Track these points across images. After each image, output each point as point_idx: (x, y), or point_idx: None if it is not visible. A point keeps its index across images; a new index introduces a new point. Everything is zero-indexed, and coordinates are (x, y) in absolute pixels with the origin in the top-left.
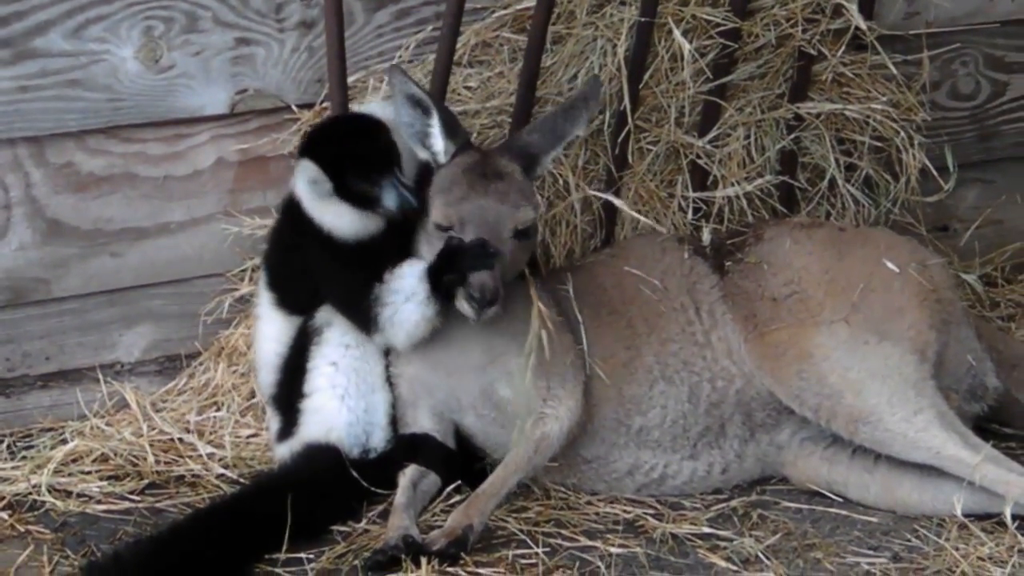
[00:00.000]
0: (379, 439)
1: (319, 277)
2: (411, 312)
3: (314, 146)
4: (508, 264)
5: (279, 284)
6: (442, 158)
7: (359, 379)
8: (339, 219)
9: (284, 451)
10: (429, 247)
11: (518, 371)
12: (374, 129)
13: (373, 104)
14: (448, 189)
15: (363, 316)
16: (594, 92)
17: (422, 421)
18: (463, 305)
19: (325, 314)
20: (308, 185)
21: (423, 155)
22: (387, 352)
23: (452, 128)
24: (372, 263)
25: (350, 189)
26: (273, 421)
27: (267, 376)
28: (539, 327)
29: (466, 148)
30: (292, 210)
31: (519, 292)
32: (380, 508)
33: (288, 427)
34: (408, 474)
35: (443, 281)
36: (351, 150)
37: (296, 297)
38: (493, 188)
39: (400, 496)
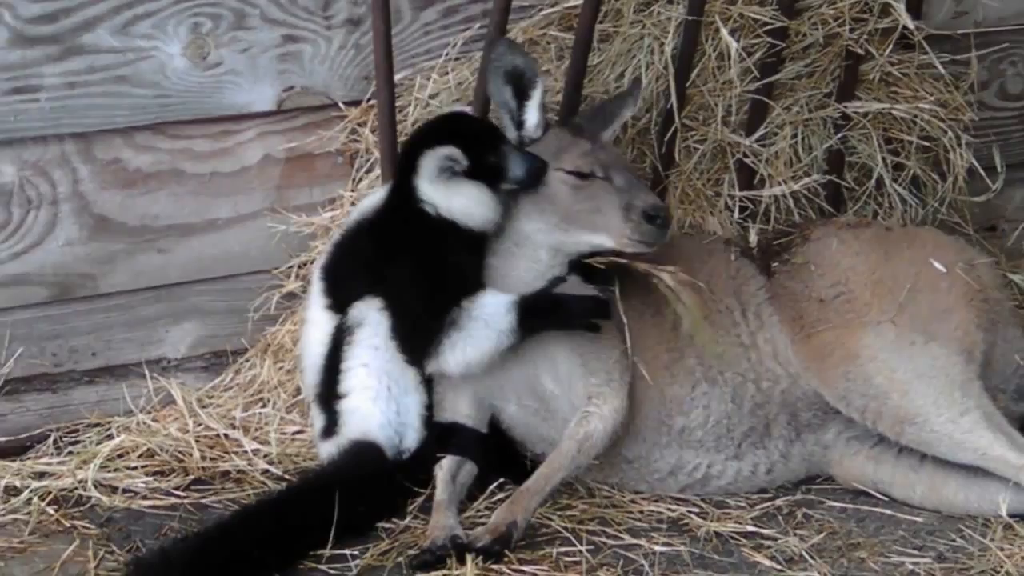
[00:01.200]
0: (412, 440)
1: (401, 286)
2: (485, 340)
3: (436, 135)
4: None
5: (337, 290)
6: (533, 132)
7: (390, 381)
8: (472, 201)
9: (329, 448)
10: (494, 252)
11: (564, 365)
12: (472, 116)
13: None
14: (571, 146)
15: (427, 336)
16: (637, 88)
17: (460, 407)
18: (641, 229)
19: (357, 312)
20: (439, 171)
21: (512, 134)
22: None
23: (544, 105)
24: (459, 268)
25: (484, 164)
26: (317, 419)
27: (312, 377)
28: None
29: (548, 125)
30: (388, 213)
31: (571, 285)
32: (420, 502)
33: (331, 425)
34: (445, 467)
35: (535, 318)
36: (474, 129)
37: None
38: (608, 145)
39: (440, 492)
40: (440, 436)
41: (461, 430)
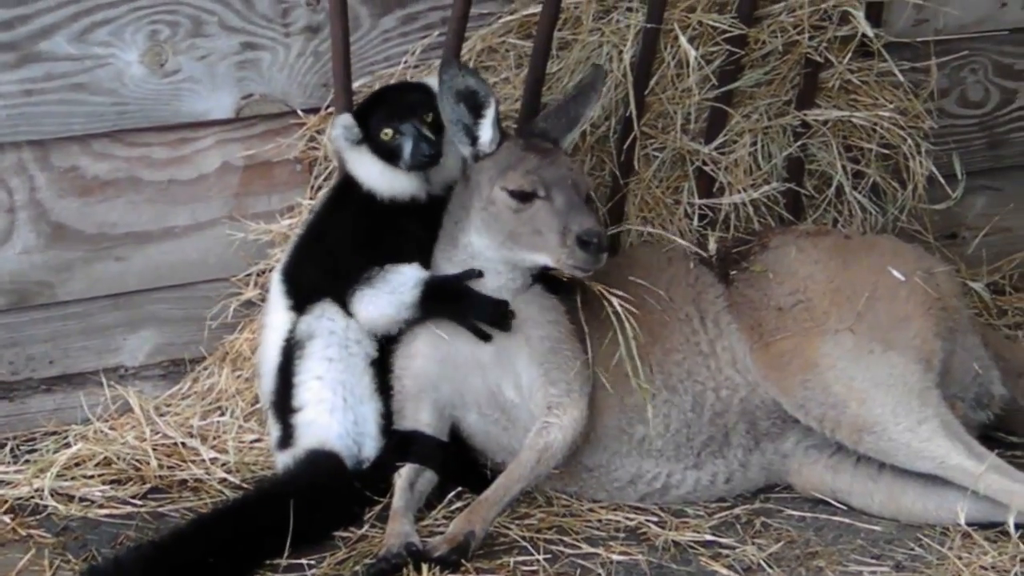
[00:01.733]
0: (371, 449)
1: (339, 240)
2: (385, 305)
3: (365, 103)
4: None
5: (296, 287)
6: (487, 148)
7: (346, 392)
8: (369, 171)
9: (286, 459)
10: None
11: (525, 374)
12: (412, 88)
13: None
14: (519, 162)
15: (347, 284)
16: (599, 77)
17: (421, 416)
18: (575, 255)
19: (305, 325)
20: (341, 132)
21: (466, 151)
22: (391, 349)
23: (499, 119)
24: (396, 240)
25: (377, 141)
26: (273, 429)
27: (267, 384)
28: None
29: (505, 136)
30: (338, 190)
31: (534, 294)
32: (378, 510)
33: (287, 437)
34: (404, 475)
35: (437, 301)
36: (378, 99)
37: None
38: (558, 159)
39: (398, 500)
40: (399, 444)
41: (420, 438)
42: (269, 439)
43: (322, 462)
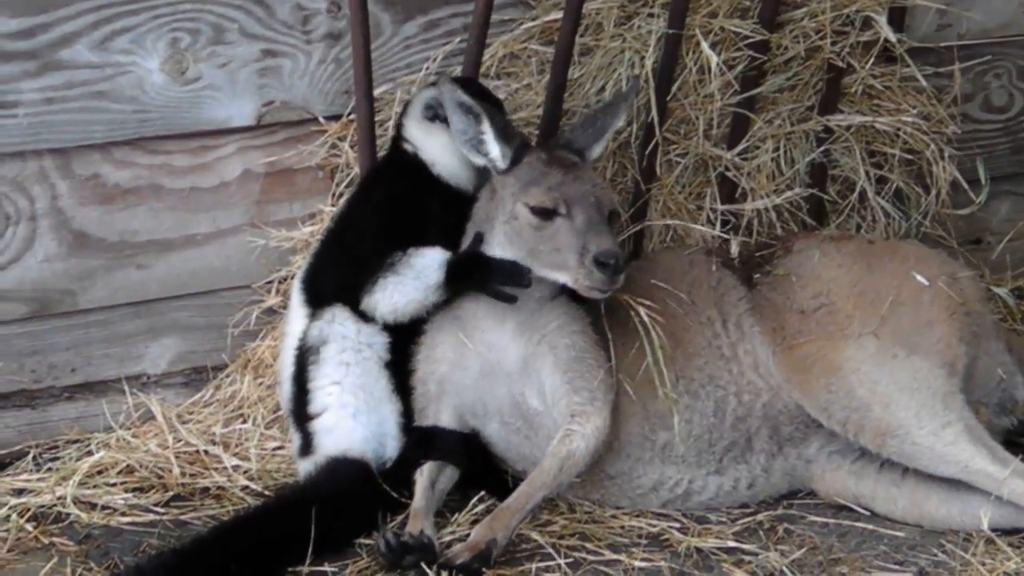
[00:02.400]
0: (393, 448)
1: (361, 217)
2: (412, 290)
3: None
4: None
5: (314, 293)
6: (500, 163)
7: (366, 395)
8: (442, 148)
9: (307, 466)
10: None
11: (549, 382)
12: (482, 85)
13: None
14: (540, 178)
15: (368, 274)
16: (633, 88)
17: (443, 416)
18: (592, 276)
19: (317, 332)
20: (424, 108)
21: (479, 161)
22: (403, 351)
23: (506, 132)
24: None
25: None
26: (294, 437)
27: (286, 391)
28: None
29: (526, 148)
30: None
31: (559, 303)
32: (401, 518)
33: (307, 444)
34: (426, 472)
35: (461, 279)
36: (473, 89)
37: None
38: (583, 174)
39: (419, 499)
40: (421, 440)
41: (442, 433)
42: (291, 447)
43: (344, 469)
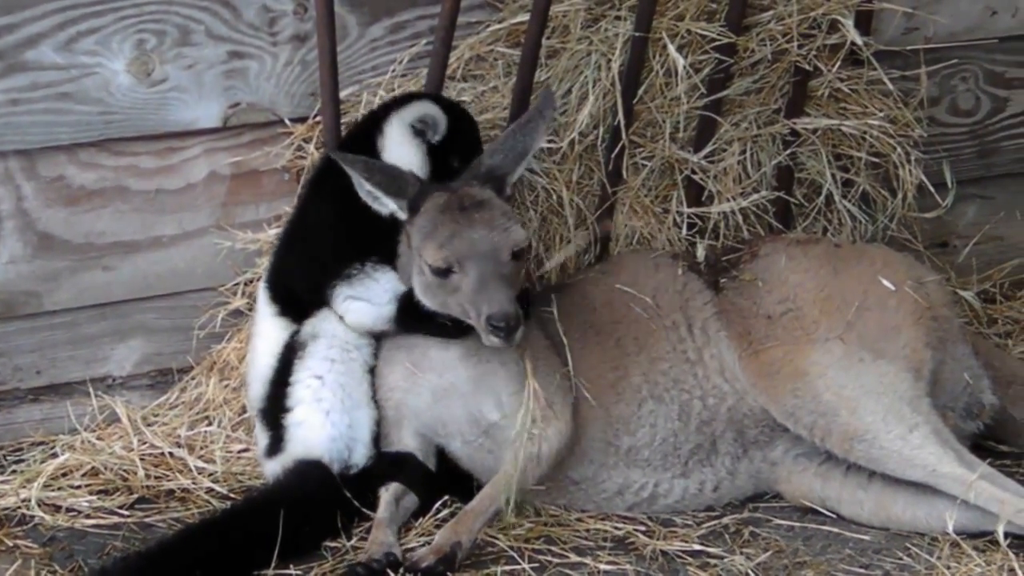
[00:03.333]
0: (361, 455)
1: (324, 221)
2: (363, 314)
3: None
4: (514, 287)
5: (282, 292)
6: (401, 214)
7: (344, 394)
8: (412, 159)
9: (274, 467)
10: (407, 275)
11: (506, 394)
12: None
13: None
14: (433, 232)
15: (328, 279)
16: (548, 103)
17: (406, 440)
18: (489, 339)
19: (311, 328)
20: (413, 129)
21: (384, 212)
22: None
23: (395, 186)
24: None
25: (455, 144)
26: (261, 436)
27: (257, 390)
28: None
29: (426, 191)
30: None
31: None
32: (368, 525)
33: (276, 443)
34: (391, 489)
35: (411, 318)
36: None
37: (299, 301)
38: (478, 218)
39: (382, 511)
40: (391, 463)
41: (412, 461)
42: (256, 448)
43: (311, 472)
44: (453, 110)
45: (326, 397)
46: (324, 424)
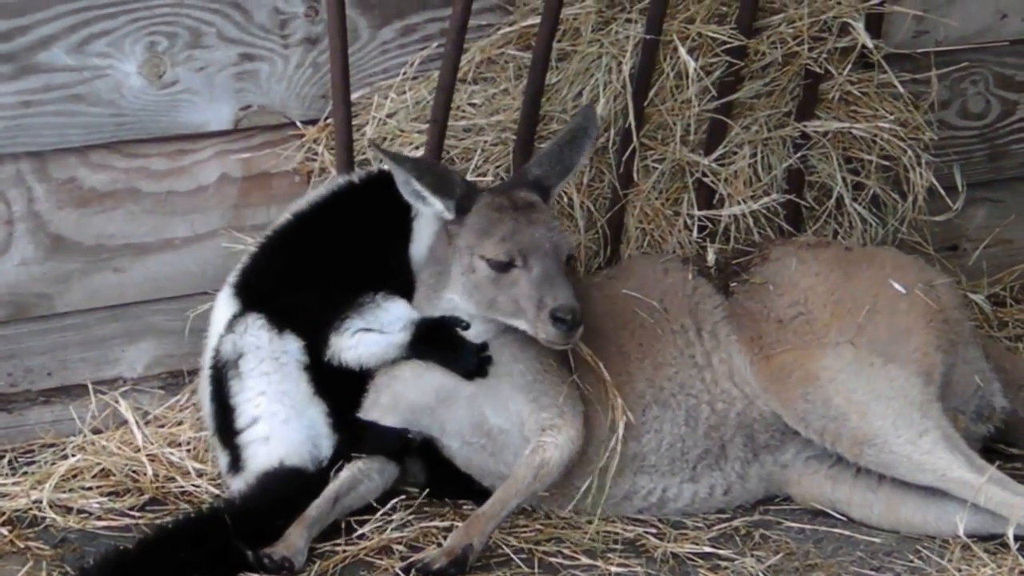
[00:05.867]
0: (327, 447)
1: (324, 263)
2: (374, 344)
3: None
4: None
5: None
6: (447, 214)
7: (291, 401)
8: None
9: (238, 484)
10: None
11: (512, 403)
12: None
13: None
14: (492, 228)
15: (334, 315)
16: (591, 120)
17: (386, 421)
18: (549, 331)
19: (231, 346)
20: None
21: (427, 211)
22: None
23: (443, 185)
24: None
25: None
26: (221, 455)
27: (207, 409)
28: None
29: (472, 192)
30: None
31: (512, 335)
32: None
33: (236, 460)
34: (339, 480)
35: (426, 344)
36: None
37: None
38: (537, 218)
39: (313, 507)
40: (355, 433)
41: (377, 428)
42: (219, 465)
43: (286, 477)
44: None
45: (278, 410)
46: (288, 432)
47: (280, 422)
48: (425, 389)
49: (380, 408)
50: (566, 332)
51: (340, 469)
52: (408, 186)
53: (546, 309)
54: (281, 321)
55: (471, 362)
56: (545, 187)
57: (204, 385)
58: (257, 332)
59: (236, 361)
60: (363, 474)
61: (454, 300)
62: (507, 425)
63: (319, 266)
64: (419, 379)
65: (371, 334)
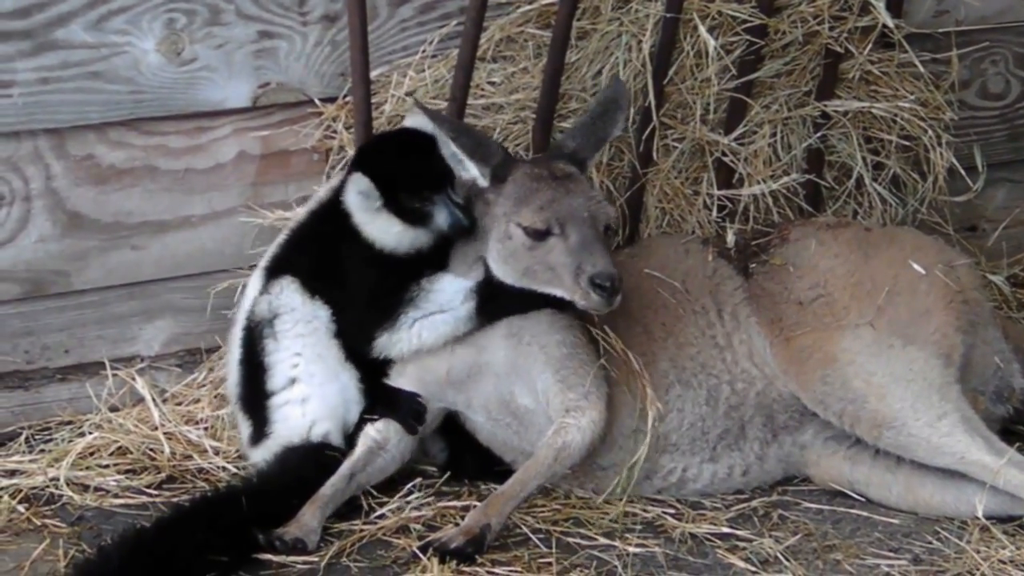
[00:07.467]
0: (355, 413)
1: (352, 281)
2: (441, 323)
3: (367, 160)
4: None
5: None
6: (482, 181)
7: (324, 365)
8: (385, 233)
9: (260, 455)
10: (469, 265)
11: (540, 382)
12: (427, 146)
13: (420, 118)
14: (530, 196)
15: (383, 315)
16: (621, 92)
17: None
18: (590, 298)
19: (265, 305)
20: (358, 197)
21: (466, 176)
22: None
23: (481, 151)
24: (411, 275)
25: (401, 205)
26: (244, 426)
27: (234, 378)
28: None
29: (509, 162)
30: (337, 218)
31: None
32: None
33: (260, 428)
34: (353, 457)
35: (496, 304)
36: (404, 167)
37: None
38: (575, 188)
39: (327, 487)
40: (378, 396)
41: (396, 392)
42: (240, 438)
43: (306, 453)
44: (396, 165)
45: (316, 371)
46: (323, 398)
47: (317, 384)
48: (454, 363)
49: (406, 378)
50: (606, 298)
51: (355, 445)
52: (447, 148)
53: (584, 275)
54: (313, 286)
55: (539, 303)
56: (580, 159)
57: (234, 348)
58: (291, 294)
59: (272, 320)
60: (378, 446)
61: (491, 268)
62: (533, 405)
63: (351, 250)
64: (452, 354)
65: (431, 317)
